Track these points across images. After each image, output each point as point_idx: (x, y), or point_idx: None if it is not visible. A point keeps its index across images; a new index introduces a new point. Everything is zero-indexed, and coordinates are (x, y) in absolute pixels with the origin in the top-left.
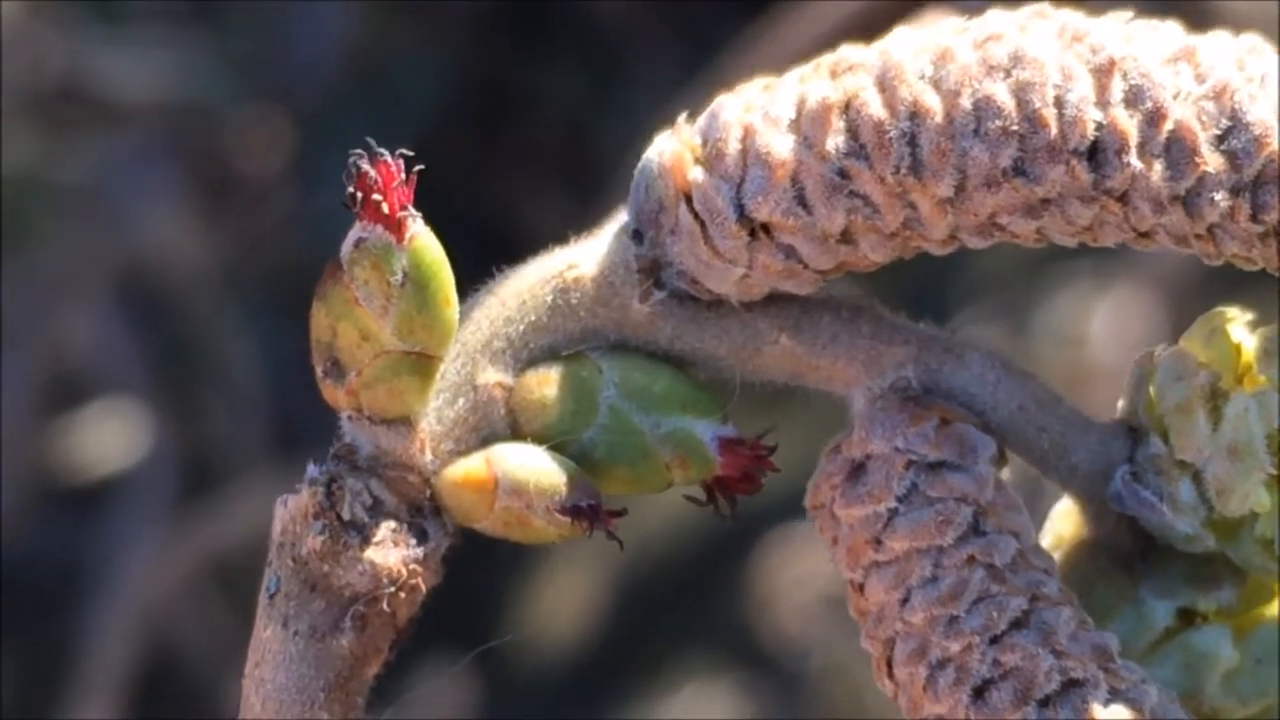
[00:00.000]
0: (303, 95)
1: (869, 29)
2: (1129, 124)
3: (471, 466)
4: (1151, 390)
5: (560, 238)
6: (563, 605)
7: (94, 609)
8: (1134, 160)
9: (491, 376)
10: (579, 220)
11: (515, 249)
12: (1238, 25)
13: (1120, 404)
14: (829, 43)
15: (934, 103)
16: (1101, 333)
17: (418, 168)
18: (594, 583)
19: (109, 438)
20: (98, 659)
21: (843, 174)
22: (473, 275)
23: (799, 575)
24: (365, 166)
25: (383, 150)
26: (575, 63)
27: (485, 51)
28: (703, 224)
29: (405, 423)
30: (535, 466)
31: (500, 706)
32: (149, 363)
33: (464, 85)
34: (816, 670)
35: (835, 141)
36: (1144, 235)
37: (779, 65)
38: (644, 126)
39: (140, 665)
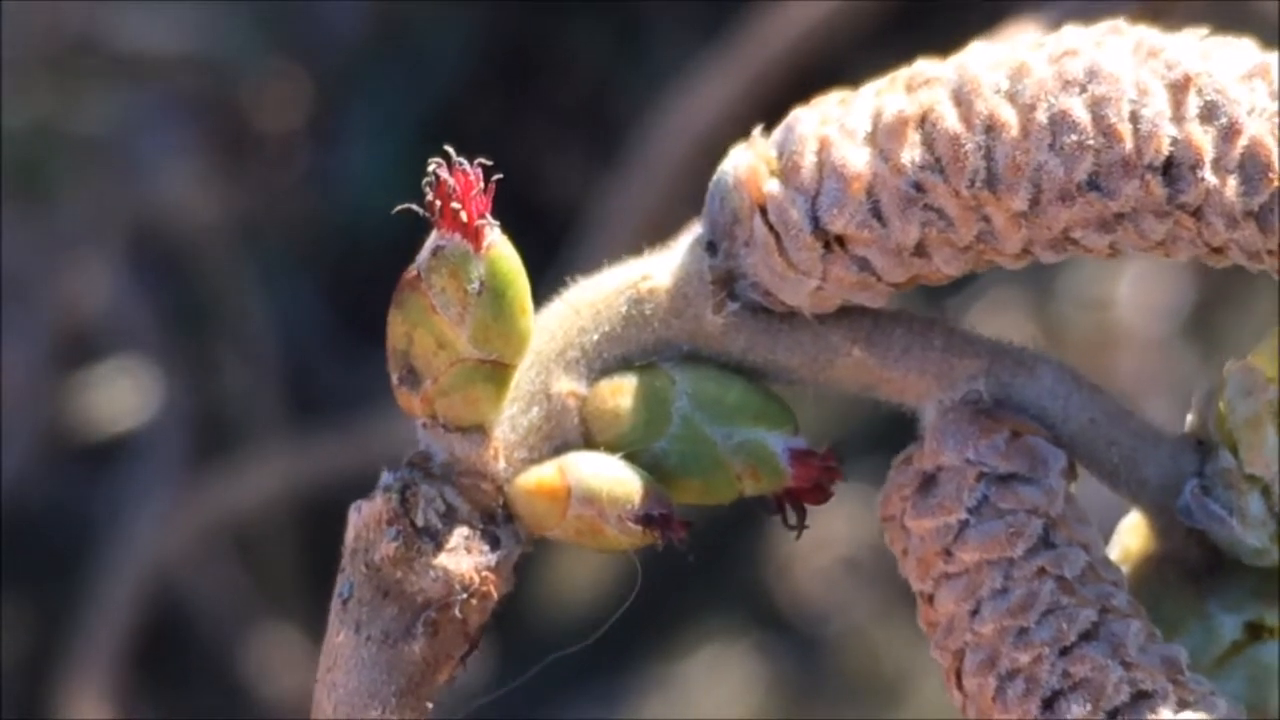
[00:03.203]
0: (326, 53)
1: None
2: (1204, 140)
3: (545, 475)
4: (1221, 405)
5: (582, 195)
6: (582, 566)
7: (104, 566)
8: (1208, 176)
9: (565, 385)
10: (601, 177)
11: (538, 207)
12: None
13: (1189, 418)
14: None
15: (1010, 117)
16: (1128, 296)
17: (496, 176)
18: None
19: (122, 395)
20: (106, 616)
21: (918, 187)
22: None
23: (818, 538)
24: (444, 175)
25: (461, 159)
26: (598, 21)
27: (508, 9)
28: (777, 236)
29: (479, 430)
30: (608, 475)
31: (519, 667)
32: (163, 320)
33: (487, 43)
34: (835, 633)
35: (911, 155)
36: (1217, 250)
37: (800, 24)
38: (666, 84)
39: (149, 623)
